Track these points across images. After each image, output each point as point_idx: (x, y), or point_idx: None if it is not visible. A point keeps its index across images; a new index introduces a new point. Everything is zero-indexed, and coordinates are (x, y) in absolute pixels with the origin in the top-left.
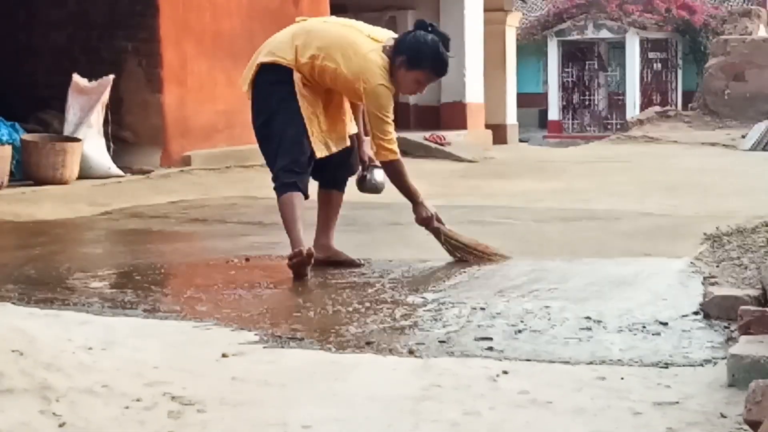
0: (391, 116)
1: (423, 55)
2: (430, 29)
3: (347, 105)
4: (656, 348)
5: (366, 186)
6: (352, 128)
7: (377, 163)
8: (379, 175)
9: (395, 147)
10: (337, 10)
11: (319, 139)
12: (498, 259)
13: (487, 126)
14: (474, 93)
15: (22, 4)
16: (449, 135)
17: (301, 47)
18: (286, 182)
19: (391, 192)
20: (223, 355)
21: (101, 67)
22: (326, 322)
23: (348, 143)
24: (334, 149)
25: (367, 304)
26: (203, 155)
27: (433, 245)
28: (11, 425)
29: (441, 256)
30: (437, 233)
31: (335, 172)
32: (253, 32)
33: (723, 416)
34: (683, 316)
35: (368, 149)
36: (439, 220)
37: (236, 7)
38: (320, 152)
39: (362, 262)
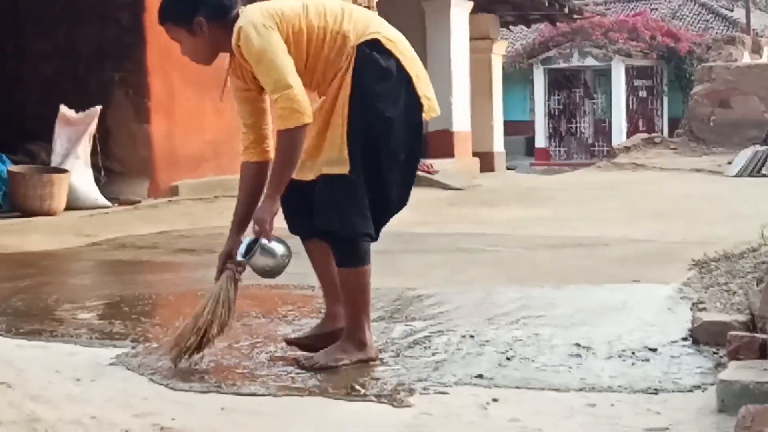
0: None
1: None
2: None
3: (331, 120)
4: (646, 374)
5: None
6: (324, 157)
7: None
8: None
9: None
10: None
11: None
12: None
13: (475, 154)
14: (461, 121)
15: (10, 35)
16: (437, 163)
17: None
18: None
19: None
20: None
21: (89, 98)
22: (315, 352)
23: (310, 175)
24: (296, 176)
25: None
26: (191, 185)
27: (421, 272)
28: None
29: (429, 285)
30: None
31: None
32: None
33: None
34: (672, 342)
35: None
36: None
37: None
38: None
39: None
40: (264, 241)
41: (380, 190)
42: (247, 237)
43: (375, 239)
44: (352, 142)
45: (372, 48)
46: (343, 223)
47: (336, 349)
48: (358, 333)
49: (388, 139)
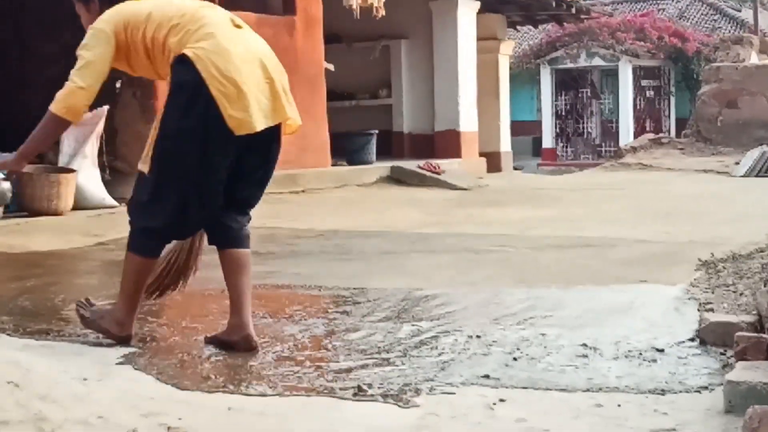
0: None
1: None
2: None
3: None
4: (652, 375)
5: None
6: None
7: None
8: None
9: None
10: (331, 39)
11: None
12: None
13: (481, 154)
14: (468, 121)
15: (16, 38)
16: (443, 163)
17: None
18: None
19: (386, 220)
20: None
21: (95, 99)
22: (321, 352)
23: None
24: None
25: (362, 333)
26: None
27: (427, 273)
28: None
29: (436, 285)
30: None
31: None
32: None
33: None
34: (679, 342)
35: None
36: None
37: None
38: None
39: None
40: None
41: (174, 191)
42: None
43: (163, 239)
44: (156, 146)
45: (178, 61)
46: (132, 211)
47: (106, 313)
48: (118, 312)
49: (176, 147)
